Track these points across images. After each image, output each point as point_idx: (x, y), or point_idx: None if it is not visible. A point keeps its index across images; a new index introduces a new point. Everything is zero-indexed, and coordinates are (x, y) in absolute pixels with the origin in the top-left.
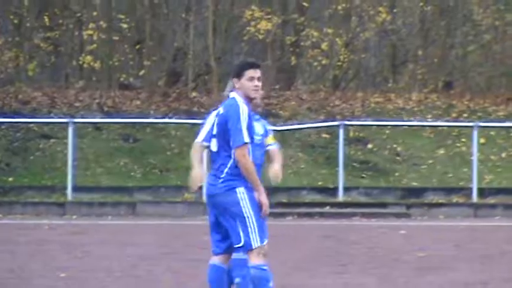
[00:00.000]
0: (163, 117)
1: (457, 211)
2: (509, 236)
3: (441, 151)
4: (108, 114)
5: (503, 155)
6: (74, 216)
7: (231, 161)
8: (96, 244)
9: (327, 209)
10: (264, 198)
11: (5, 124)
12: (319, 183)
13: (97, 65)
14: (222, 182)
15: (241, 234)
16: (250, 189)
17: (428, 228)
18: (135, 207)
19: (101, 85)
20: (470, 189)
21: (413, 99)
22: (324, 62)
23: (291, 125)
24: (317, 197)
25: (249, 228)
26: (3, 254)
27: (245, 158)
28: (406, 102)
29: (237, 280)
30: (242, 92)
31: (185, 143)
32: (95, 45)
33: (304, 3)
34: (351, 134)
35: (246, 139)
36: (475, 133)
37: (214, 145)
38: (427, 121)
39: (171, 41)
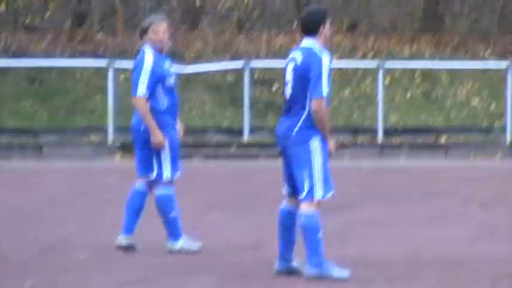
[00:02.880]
0: (69, 59)
1: (363, 151)
2: (414, 175)
3: (346, 92)
4: (14, 57)
5: (408, 95)
6: None
7: (305, 113)
8: (2, 187)
9: (233, 150)
10: (333, 149)
11: None
12: (225, 124)
13: (2, 7)
14: (296, 133)
15: (306, 184)
16: (321, 141)
17: (333, 169)
18: (42, 150)
19: (6, 28)
20: (376, 129)
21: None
22: (228, 3)
23: (196, 65)
24: (223, 138)
25: (315, 179)
26: None
27: (322, 110)
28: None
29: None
30: (322, 40)
31: (91, 85)
32: None
33: None
34: (256, 75)
35: (325, 92)
36: (380, 73)
37: (287, 91)
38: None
39: None
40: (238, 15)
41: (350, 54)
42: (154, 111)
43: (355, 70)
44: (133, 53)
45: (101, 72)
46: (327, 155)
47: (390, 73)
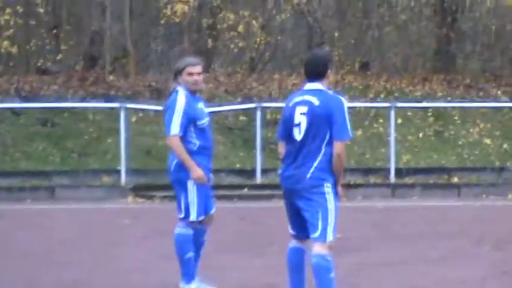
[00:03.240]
0: (81, 101)
1: (375, 191)
2: (427, 215)
3: (359, 132)
4: (26, 99)
5: (421, 135)
6: None
7: (321, 156)
8: (15, 229)
9: (245, 191)
10: (341, 193)
11: None
12: (237, 165)
13: (14, 49)
14: (310, 177)
15: (320, 225)
16: (334, 185)
17: (346, 209)
18: (54, 192)
19: (19, 70)
20: (388, 169)
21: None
22: (240, 44)
23: (209, 107)
24: (235, 180)
25: (329, 222)
26: None
27: (344, 153)
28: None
29: (189, 255)
30: (327, 84)
31: (103, 127)
32: (11, 30)
33: None
34: (268, 116)
35: (351, 134)
36: (392, 113)
37: (298, 135)
38: None
39: (87, 25)
40: (250, 56)
41: (362, 94)
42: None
43: (368, 110)
44: (145, 95)
45: (113, 114)
46: (337, 200)
47: (402, 113)
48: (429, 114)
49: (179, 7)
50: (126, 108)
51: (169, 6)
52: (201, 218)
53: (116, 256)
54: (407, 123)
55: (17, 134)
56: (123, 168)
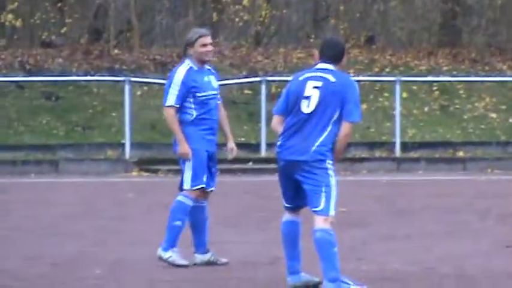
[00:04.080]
0: (85, 75)
1: (380, 165)
2: (432, 189)
3: (364, 106)
4: (31, 73)
5: (426, 109)
6: None
7: (327, 132)
8: (19, 202)
9: (250, 165)
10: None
11: None
12: (242, 139)
13: (18, 23)
14: (315, 151)
15: (323, 200)
16: (333, 162)
17: (351, 183)
18: (58, 165)
19: (23, 43)
20: (393, 143)
21: None
22: (245, 18)
23: None
24: (240, 153)
25: (331, 197)
26: None
27: (350, 132)
28: None
29: (177, 223)
30: (339, 67)
31: (107, 100)
32: (16, 4)
33: None
34: (273, 89)
35: (360, 117)
36: (398, 87)
37: (307, 108)
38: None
39: None
40: (255, 30)
41: (367, 68)
42: (180, 122)
43: (373, 84)
44: (150, 69)
45: (118, 88)
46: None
47: (407, 87)
48: (434, 88)
49: None
50: (131, 82)
51: None
52: (195, 188)
53: (120, 229)
54: (413, 98)
55: (21, 108)
56: (127, 142)
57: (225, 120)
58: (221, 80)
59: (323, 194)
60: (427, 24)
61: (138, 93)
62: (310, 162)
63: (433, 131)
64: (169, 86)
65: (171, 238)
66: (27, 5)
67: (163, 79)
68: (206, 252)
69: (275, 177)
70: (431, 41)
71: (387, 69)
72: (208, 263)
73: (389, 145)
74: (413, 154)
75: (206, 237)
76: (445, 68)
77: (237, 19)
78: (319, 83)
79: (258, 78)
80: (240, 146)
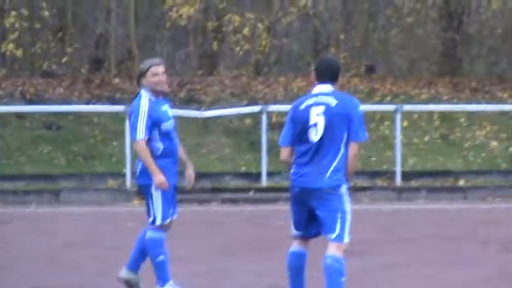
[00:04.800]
0: (86, 104)
1: (381, 195)
2: (433, 218)
3: None
4: (31, 102)
5: (426, 138)
6: None
7: (339, 156)
8: (20, 232)
9: (251, 194)
10: None
11: None
12: (243, 168)
13: (19, 52)
14: (329, 177)
15: (338, 226)
16: (347, 186)
17: (352, 212)
18: (59, 195)
19: (24, 73)
20: (394, 172)
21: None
22: (246, 47)
23: (214, 110)
24: (241, 183)
25: (346, 223)
26: None
27: (358, 152)
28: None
29: (161, 258)
30: (336, 88)
31: (108, 130)
32: (16, 33)
33: None
34: (274, 119)
35: (366, 135)
36: (398, 116)
37: (315, 136)
38: None
39: (93, 28)
40: (255, 59)
41: (368, 97)
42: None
43: (373, 113)
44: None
45: (118, 117)
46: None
47: (408, 116)
48: (435, 117)
49: (185, 10)
50: None
51: (174, 9)
52: (167, 222)
53: (121, 260)
54: (413, 126)
55: (22, 138)
56: (128, 171)
57: (181, 148)
58: (221, 109)
59: (338, 220)
60: (428, 53)
61: None
62: (325, 189)
63: (433, 159)
64: (137, 119)
65: (162, 273)
66: (28, 34)
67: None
68: (136, 273)
69: (276, 207)
70: (432, 69)
71: (388, 98)
72: (127, 284)
73: (390, 174)
74: (414, 183)
75: (143, 261)
76: (445, 97)
77: (237, 48)
78: (322, 109)
79: (258, 108)
80: (241, 175)
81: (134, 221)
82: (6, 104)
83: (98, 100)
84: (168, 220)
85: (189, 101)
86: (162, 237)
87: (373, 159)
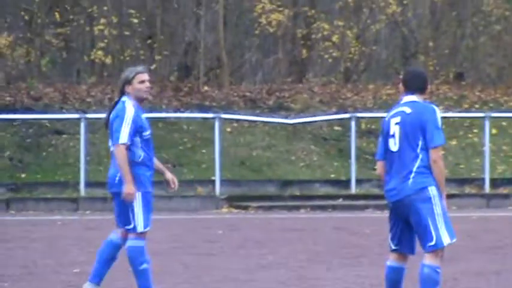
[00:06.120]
0: (175, 112)
1: (470, 202)
2: None
3: (453, 142)
4: None
5: None
6: (87, 212)
7: (419, 161)
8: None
9: (340, 201)
10: (444, 201)
11: (18, 120)
12: (332, 175)
13: (108, 60)
14: (413, 182)
15: (433, 232)
16: (437, 188)
17: None
18: None
19: (113, 80)
20: (483, 179)
21: None
22: (335, 54)
23: (303, 117)
24: (330, 190)
25: (439, 227)
26: (17, 250)
27: (441, 159)
28: None
29: (144, 266)
30: (422, 98)
31: (197, 137)
32: (106, 41)
33: None
34: (363, 126)
35: (443, 140)
36: (487, 123)
37: (394, 146)
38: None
39: (181, 36)
40: (344, 66)
41: (457, 104)
42: (129, 162)
43: (462, 120)
44: (240, 105)
45: (208, 124)
46: (443, 203)
47: (497, 123)
48: None
49: (274, 17)
50: (221, 119)
51: (264, 16)
52: (148, 229)
53: (211, 266)
54: (502, 133)
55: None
56: (217, 178)
57: (155, 158)
58: (311, 117)
59: (431, 227)
60: None
61: (228, 129)
62: (412, 196)
63: None
64: (121, 123)
65: (145, 282)
66: (116, 42)
67: (254, 115)
68: (98, 285)
69: (365, 214)
70: None
71: (476, 105)
72: None
73: (479, 181)
74: (502, 190)
75: (106, 272)
76: None
77: (326, 56)
78: (398, 119)
79: (347, 115)
80: (330, 182)
81: (223, 228)
82: (95, 111)
83: (187, 107)
84: (149, 228)
85: (278, 109)
86: (143, 245)
87: (462, 166)
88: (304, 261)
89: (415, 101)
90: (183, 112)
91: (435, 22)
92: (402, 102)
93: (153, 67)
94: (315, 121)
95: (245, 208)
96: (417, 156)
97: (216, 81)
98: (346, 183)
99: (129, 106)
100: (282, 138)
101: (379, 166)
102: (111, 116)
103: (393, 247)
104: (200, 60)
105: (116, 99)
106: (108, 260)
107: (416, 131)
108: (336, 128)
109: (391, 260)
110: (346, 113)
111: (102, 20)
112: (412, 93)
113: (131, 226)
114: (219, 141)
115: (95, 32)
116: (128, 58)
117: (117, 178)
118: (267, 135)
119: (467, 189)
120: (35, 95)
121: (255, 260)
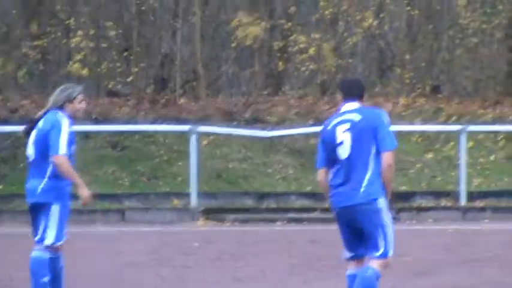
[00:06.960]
0: (152, 124)
1: (446, 215)
2: (498, 239)
3: (429, 155)
4: (97, 122)
5: (492, 158)
6: None
7: (370, 169)
8: (85, 251)
9: (316, 214)
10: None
11: None
12: (308, 188)
13: (85, 72)
14: (364, 191)
15: (382, 243)
16: (385, 198)
17: (416, 232)
18: (124, 214)
19: (89, 92)
20: (459, 192)
21: (401, 104)
22: (311, 67)
23: (279, 130)
24: (306, 202)
25: (389, 238)
26: None
27: (393, 162)
28: (394, 106)
29: (45, 279)
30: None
31: (173, 150)
32: (82, 53)
33: (292, 8)
34: None
35: (396, 142)
36: (463, 137)
37: (344, 153)
38: (415, 125)
39: (158, 48)
40: (321, 79)
41: (433, 117)
42: (54, 175)
43: (438, 133)
44: (216, 118)
45: (184, 137)
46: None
47: (473, 136)
48: (500, 137)
49: (250, 30)
50: (197, 131)
51: (240, 29)
52: (59, 244)
53: (187, 279)
54: (479, 147)
55: (87, 157)
56: (193, 191)
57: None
58: (287, 129)
59: (381, 237)
60: (493, 73)
61: (205, 142)
62: (361, 205)
63: (498, 180)
64: (59, 135)
65: None
66: (93, 54)
67: (230, 128)
68: None
69: None
70: (497, 89)
71: (453, 118)
72: None
73: (455, 194)
74: (479, 203)
75: (63, 286)
76: (511, 117)
77: (303, 68)
78: (347, 126)
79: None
80: (306, 195)
81: (199, 240)
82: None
83: (164, 120)
84: (61, 242)
85: (255, 121)
86: (48, 258)
87: (438, 179)
88: (281, 274)
89: (361, 107)
90: (159, 124)
91: (412, 35)
92: (345, 110)
93: (129, 79)
94: (292, 134)
95: (221, 220)
96: (367, 166)
97: (192, 94)
98: (322, 196)
99: (64, 119)
100: (259, 151)
101: (321, 173)
102: (41, 126)
103: (349, 255)
104: (176, 73)
105: (43, 111)
106: (58, 275)
107: (368, 138)
108: (312, 141)
109: (350, 269)
110: (322, 125)
111: (79, 32)
112: (353, 100)
113: (38, 237)
114: (195, 153)
115: (72, 45)
116: (104, 70)
117: (40, 187)
118: (244, 147)
119: (443, 202)
120: (12, 106)
121: (231, 272)
